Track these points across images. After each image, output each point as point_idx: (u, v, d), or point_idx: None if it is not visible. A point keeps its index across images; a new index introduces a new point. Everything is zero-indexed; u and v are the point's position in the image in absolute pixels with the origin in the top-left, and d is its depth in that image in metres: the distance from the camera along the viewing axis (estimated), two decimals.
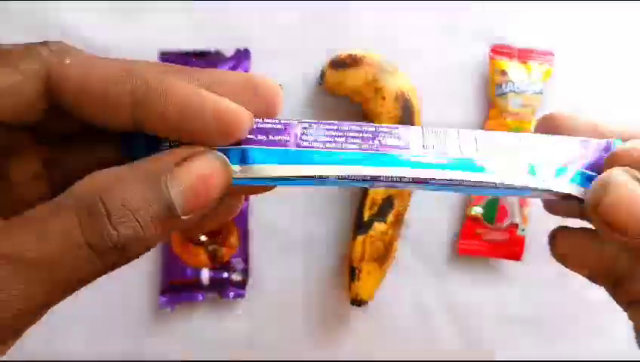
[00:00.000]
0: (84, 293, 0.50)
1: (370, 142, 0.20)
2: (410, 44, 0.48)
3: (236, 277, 0.46)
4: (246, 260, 0.47)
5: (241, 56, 0.46)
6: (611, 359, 0.47)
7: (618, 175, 0.18)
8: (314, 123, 0.20)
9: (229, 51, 0.46)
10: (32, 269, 0.15)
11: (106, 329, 0.47)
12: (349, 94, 0.45)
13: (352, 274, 0.45)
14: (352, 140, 0.20)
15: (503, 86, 0.46)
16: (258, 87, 0.18)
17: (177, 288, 0.46)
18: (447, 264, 0.49)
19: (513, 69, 0.47)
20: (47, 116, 0.17)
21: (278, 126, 0.19)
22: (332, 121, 0.20)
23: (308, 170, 0.19)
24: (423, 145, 0.20)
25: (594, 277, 0.22)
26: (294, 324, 0.48)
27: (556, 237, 0.22)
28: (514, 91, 0.46)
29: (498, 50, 0.47)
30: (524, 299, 0.49)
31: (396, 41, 0.47)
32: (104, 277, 0.49)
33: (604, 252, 0.21)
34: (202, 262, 0.46)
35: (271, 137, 0.19)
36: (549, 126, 0.21)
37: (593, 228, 0.19)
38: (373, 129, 0.20)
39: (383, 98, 0.44)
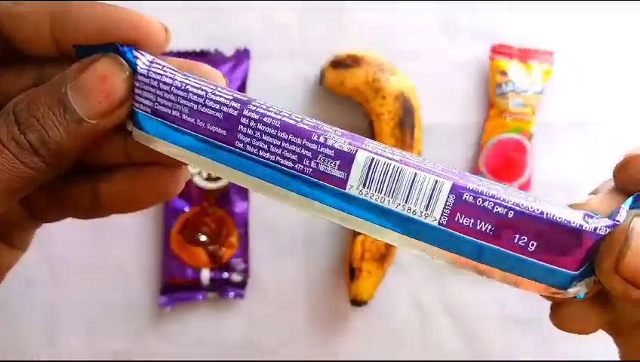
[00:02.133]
0: (84, 293, 0.50)
1: (307, 162, 0.18)
2: (410, 44, 0.48)
3: (236, 277, 0.46)
4: (246, 260, 0.47)
5: (241, 56, 0.46)
6: (611, 359, 0.47)
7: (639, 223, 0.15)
8: (263, 114, 0.18)
9: (229, 51, 0.46)
10: None
11: (106, 329, 0.47)
12: (349, 94, 0.45)
13: (352, 274, 0.45)
14: (289, 153, 0.18)
15: (503, 86, 0.46)
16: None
17: (177, 288, 0.46)
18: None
19: (513, 68, 0.47)
20: None
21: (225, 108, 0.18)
22: (284, 120, 0.18)
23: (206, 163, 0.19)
24: (364, 185, 0.17)
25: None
26: (294, 324, 0.48)
27: (559, 309, 0.20)
28: (514, 91, 0.46)
29: (498, 50, 0.47)
30: (524, 299, 0.49)
31: (396, 41, 0.47)
32: (104, 276, 0.48)
33: (608, 309, 0.20)
34: (202, 262, 0.46)
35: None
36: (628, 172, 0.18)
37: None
38: (316, 146, 0.18)
39: (383, 98, 0.44)
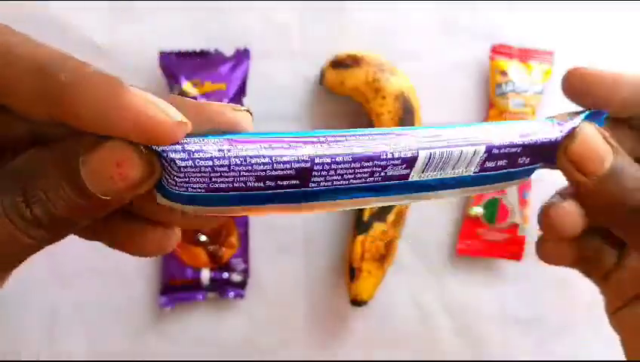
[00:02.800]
0: (84, 293, 0.50)
1: (377, 175, 0.20)
2: (410, 44, 0.48)
3: (236, 277, 0.46)
4: (246, 260, 0.47)
5: (241, 56, 0.46)
6: (611, 359, 0.47)
7: (587, 126, 0.22)
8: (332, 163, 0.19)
9: (229, 51, 0.46)
10: None
11: (106, 329, 0.47)
12: (349, 94, 0.45)
13: (352, 274, 0.45)
14: (360, 174, 0.20)
15: (503, 86, 0.46)
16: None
17: (177, 288, 0.46)
18: (447, 264, 0.49)
19: (513, 68, 0.47)
20: None
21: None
22: (354, 152, 0.19)
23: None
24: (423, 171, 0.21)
25: (569, 266, 0.26)
26: (294, 324, 0.48)
27: (540, 246, 0.26)
28: (514, 91, 0.46)
29: (498, 50, 0.47)
30: (524, 299, 0.49)
31: (396, 41, 0.47)
32: (104, 276, 0.48)
33: (587, 245, 0.24)
34: (202, 262, 0.46)
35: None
36: (575, 81, 0.25)
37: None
38: (385, 162, 0.20)
39: (383, 98, 0.44)
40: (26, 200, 0.17)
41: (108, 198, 0.17)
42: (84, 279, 0.46)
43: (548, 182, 0.50)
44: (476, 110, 0.48)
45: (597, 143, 0.21)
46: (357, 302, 0.45)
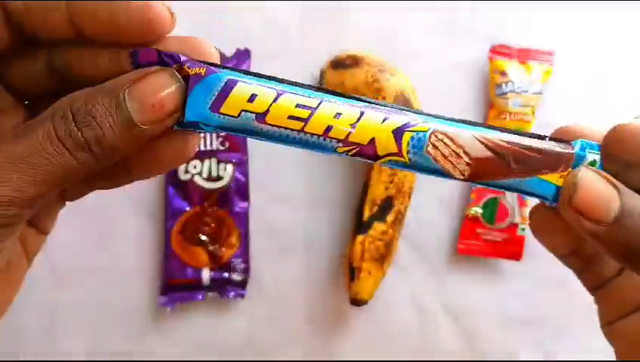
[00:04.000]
0: (84, 293, 0.50)
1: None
2: (410, 44, 0.48)
3: (236, 277, 0.46)
4: (246, 260, 0.47)
5: (241, 56, 0.46)
6: (611, 359, 0.47)
7: (586, 172, 0.21)
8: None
9: (229, 51, 0.46)
10: (20, 162, 0.18)
11: (106, 329, 0.47)
12: None
13: (352, 274, 0.45)
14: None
15: (503, 86, 0.46)
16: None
17: (177, 288, 0.46)
18: (446, 264, 0.49)
19: (513, 69, 0.47)
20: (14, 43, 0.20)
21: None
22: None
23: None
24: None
25: (564, 257, 0.25)
26: (294, 324, 0.48)
27: (533, 213, 0.24)
28: (514, 91, 0.46)
29: (498, 51, 0.47)
30: (524, 299, 0.49)
31: (396, 41, 0.47)
32: (104, 276, 0.48)
33: (571, 233, 0.23)
34: (202, 261, 0.46)
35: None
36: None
37: None
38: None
39: (383, 98, 0.44)
40: (77, 123, 0.19)
41: (146, 128, 0.19)
42: (84, 279, 0.46)
43: None
44: (476, 110, 0.48)
45: (600, 190, 0.20)
46: (357, 302, 0.45)
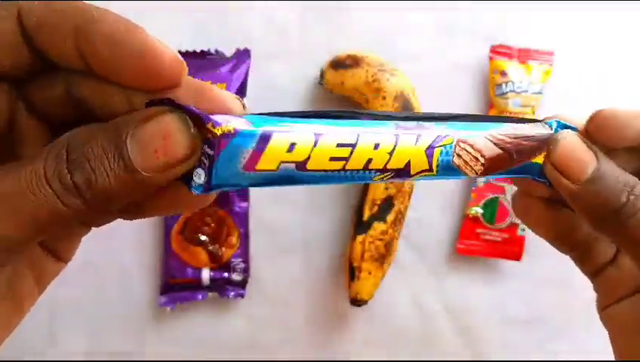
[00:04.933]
0: (84, 293, 0.50)
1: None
2: (410, 44, 0.48)
3: (236, 277, 0.47)
4: (246, 260, 0.47)
5: (241, 56, 0.46)
6: (611, 359, 0.47)
7: (568, 133, 0.23)
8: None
9: (229, 51, 0.46)
10: (4, 202, 0.17)
11: (106, 329, 0.47)
12: (349, 94, 0.45)
13: (352, 273, 0.45)
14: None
15: (503, 86, 0.46)
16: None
17: (177, 288, 0.46)
18: (446, 264, 0.49)
19: (513, 69, 0.47)
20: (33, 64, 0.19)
21: None
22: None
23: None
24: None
25: (557, 242, 0.25)
26: (294, 324, 0.48)
27: (517, 196, 0.26)
28: (514, 91, 0.46)
29: (498, 51, 0.47)
30: (524, 299, 0.49)
31: (396, 41, 0.47)
32: (104, 276, 0.48)
33: (564, 216, 0.25)
34: (202, 261, 0.46)
35: None
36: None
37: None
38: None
39: (383, 98, 0.44)
40: (69, 164, 0.17)
41: (148, 176, 0.17)
42: (84, 279, 0.46)
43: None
44: (476, 110, 0.48)
45: (579, 150, 0.22)
46: (357, 302, 0.45)
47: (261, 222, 0.47)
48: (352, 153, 0.19)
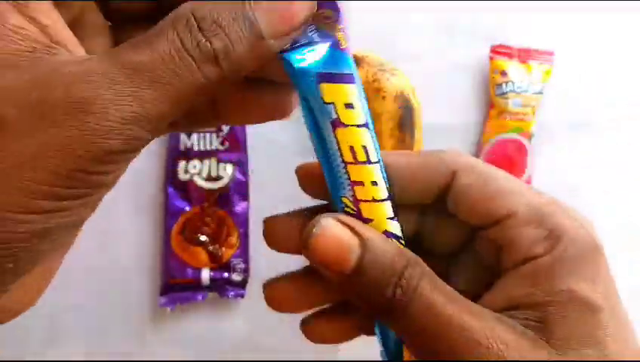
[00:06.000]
0: (84, 293, 0.50)
1: None
2: (410, 44, 0.48)
3: (236, 277, 0.46)
4: (246, 260, 0.47)
5: None
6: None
7: (326, 220, 0.19)
8: None
9: None
10: (143, 75, 0.16)
11: (107, 329, 0.47)
12: None
13: None
14: None
15: (503, 86, 0.46)
16: None
17: (177, 288, 0.46)
18: None
19: (513, 69, 0.47)
20: None
21: None
22: None
23: None
24: None
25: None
26: (294, 324, 0.48)
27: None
28: (514, 91, 0.46)
29: (498, 51, 0.47)
30: None
31: (396, 42, 0.47)
32: (104, 276, 0.48)
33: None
34: (202, 261, 0.46)
35: None
36: None
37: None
38: None
39: (383, 98, 0.44)
40: (204, 32, 0.17)
41: (272, 42, 0.18)
42: (84, 279, 0.46)
43: (547, 184, 0.50)
44: (476, 110, 0.48)
45: (337, 240, 0.19)
46: None
47: (261, 222, 0.47)
48: (365, 164, 0.19)
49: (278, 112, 0.21)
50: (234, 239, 0.46)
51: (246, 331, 0.48)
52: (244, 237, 0.47)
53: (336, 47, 0.20)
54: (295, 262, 0.48)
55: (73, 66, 0.16)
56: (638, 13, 0.48)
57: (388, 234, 0.20)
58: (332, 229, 0.19)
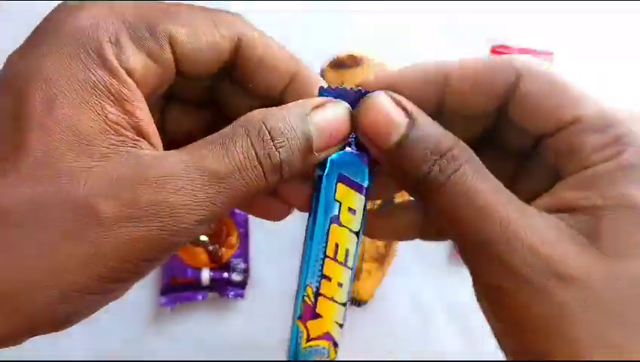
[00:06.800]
0: None
1: None
2: (410, 44, 0.48)
3: (236, 277, 0.46)
4: (246, 260, 0.47)
5: None
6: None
7: (377, 95, 0.20)
8: None
9: None
10: (215, 180, 0.18)
11: (106, 329, 0.47)
12: None
13: None
14: None
15: None
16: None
17: (177, 288, 0.46)
18: (447, 264, 0.49)
19: None
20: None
21: None
22: None
23: None
24: None
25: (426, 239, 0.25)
26: None
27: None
28: None
29: (498, 51, 0.47)
30: None
31: (396, 42, 0.47)
32: None
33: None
34: (202, 261, 0.46)
35: None
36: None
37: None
38: None
39: None
40: (275, 143, 0.18)
41: (319, 155, 0.20)
42: None
43: None
44: None
45: (385, 111, 0.20)
46: (357, 302, 0.45)
47: (261, 222, 0.47)
48: (341, 264, 0.23)
49: (277, 216, 0.24)
50: (234, 239, 0.46)
51: (246, 331, 0.48)
52: (244, 237, 0.47)
53: (362, 159, 0.21)
54: (295, 262, 0.48)
55: (159, 168, 0.17)
56: (637, 15, 0.48)
57: (328, 337, 0.23)
58: (380, 100, 0.20)
